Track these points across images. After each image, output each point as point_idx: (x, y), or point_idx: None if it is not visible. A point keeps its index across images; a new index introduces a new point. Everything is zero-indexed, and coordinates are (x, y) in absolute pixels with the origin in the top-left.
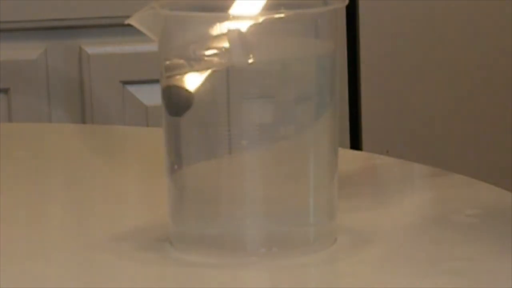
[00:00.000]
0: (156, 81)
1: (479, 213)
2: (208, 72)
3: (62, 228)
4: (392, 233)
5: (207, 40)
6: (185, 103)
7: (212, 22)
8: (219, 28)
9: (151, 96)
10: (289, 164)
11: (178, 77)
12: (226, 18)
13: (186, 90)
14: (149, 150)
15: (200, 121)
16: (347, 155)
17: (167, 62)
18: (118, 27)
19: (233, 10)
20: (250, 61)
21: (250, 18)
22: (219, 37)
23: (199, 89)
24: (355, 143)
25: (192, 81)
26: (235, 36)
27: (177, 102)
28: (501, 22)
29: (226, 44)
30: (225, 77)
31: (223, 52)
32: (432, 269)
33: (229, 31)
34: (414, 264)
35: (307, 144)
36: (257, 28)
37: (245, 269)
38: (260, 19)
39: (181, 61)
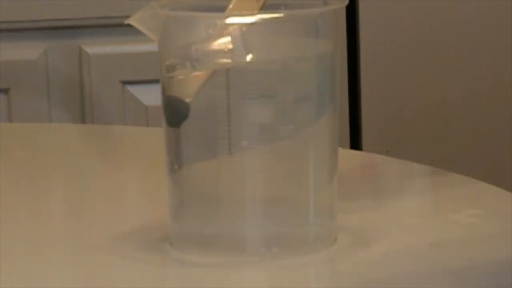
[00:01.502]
0: (156, 81)
1: (479, 213)
2: (205, 80)
3: (62, 228)
4: (392, 233)
5: (209, 39)
6: (181, 114)
7: (212, 22)
8: (220, 28)
9: (151, 96)
10: (289, 164)
11: (176, 82)
12: (226, 18)
13: (182, 101)
14: (149, 150)
15: (200, 121)
16: (347, 155)
17: (168, 62)
18: (118, 27)
19: (233, 10)
20: (253, 59)
21: (250, 18)
22: (220, 36)
23: (195, 99)
24: (355, 143)
25: (188, 90)
26: (237, 35)
27: (173, 113)
28: (501, 22)
29: (228, 44)
30: (225, 77)
31: (225, 51)
32: (432, 269)
33: (231, 30)
34: (414, 264)
35: (307, 144)
36: (257, 28)
37: (245, 269)
38: (260, 19)
39: (183, 61)
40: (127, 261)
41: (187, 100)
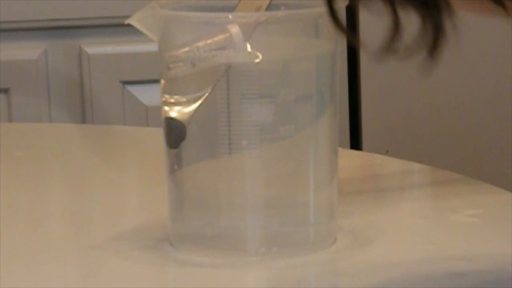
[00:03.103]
0: (156, 81)
1: (479, 213)
2: (200, 101)
3: (62, 228)
4: (392, 233)
5: (210, 39)
6: (178, 136)
7: (212, 22)
8: (220, 28)
9: (151, 96)
10: (289, 164)
11: (172, 109)
12: (226, 18)
13: (179, 122)
14: (149, 150)
15: (200, 121)
16: (347, 155)
17: (168, 62)
18: (118, 27)
19: (233, 10)
20: (253, 58)
21: (250, 18)
22: (221, 36)
23: (192, 120)
24: (355, 143)
25: (185, 111)
26: (238, 31)
27: (170, 135)
28: (502, 22)
29: (229, 43)
30: (225, 77)
31: (226, 49)
32: (432, 269)
33: (232, 29)
34: (414, 264)
35: (307, 144)
36: (257, 28)
37: (245, 269)
38: (260, 19)
39: (183, 61)
40: (127, 261)
41: (183, 121)
